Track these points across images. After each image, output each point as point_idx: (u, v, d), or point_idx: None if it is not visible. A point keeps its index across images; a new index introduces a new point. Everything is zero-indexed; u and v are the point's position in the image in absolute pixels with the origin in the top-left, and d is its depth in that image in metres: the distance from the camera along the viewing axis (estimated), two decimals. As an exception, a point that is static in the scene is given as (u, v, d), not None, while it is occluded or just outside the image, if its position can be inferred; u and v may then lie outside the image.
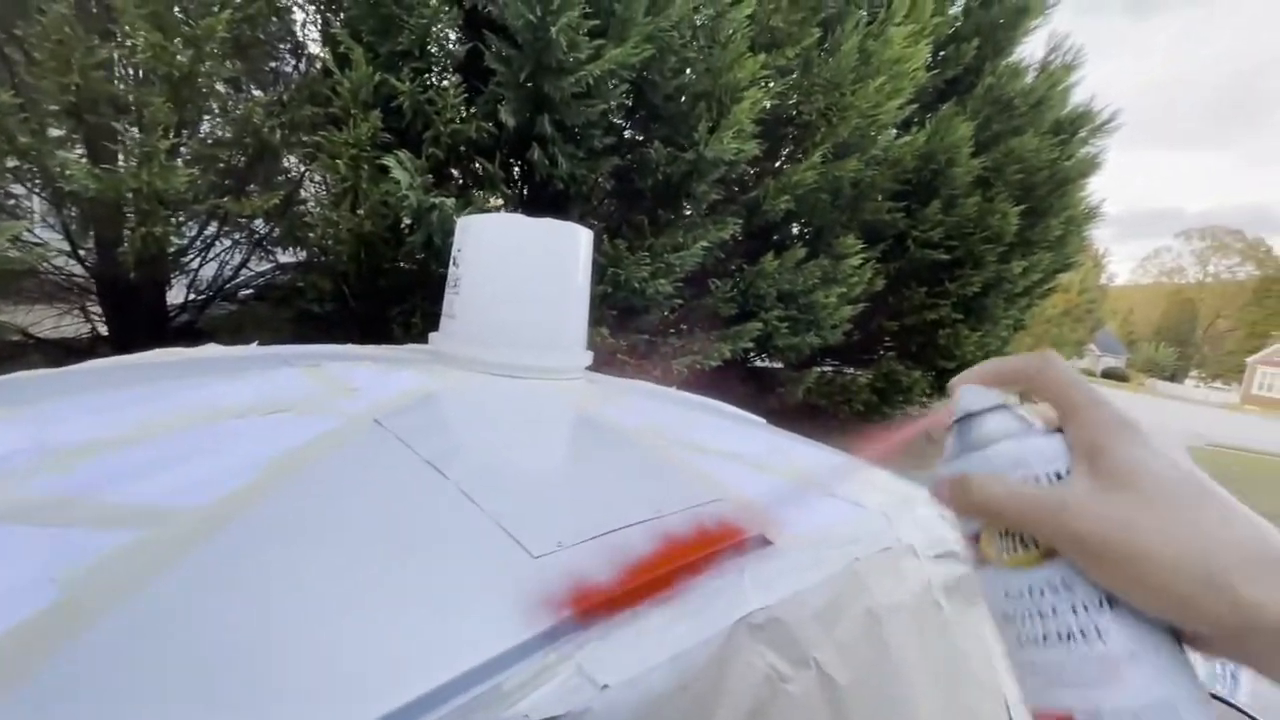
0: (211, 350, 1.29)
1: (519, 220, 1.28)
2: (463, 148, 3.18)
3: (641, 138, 4.49)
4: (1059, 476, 0.31)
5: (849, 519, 0.70)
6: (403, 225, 3.36)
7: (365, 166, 2.83)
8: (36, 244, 3.67)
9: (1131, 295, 64.77)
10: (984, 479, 0.32)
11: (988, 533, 0.33)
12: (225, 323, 4.45)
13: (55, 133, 3.14)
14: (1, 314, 3.91)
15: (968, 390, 0.35)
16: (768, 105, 4.51)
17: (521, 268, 1.24)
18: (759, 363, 6.36)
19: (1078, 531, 0.29)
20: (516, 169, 3.96)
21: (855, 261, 5.04)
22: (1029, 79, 6.77)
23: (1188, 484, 0.28)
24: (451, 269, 1.30)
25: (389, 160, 2.73)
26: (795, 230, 5.78)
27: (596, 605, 0.47)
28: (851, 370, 6.88)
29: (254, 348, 1.34)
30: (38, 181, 2.94)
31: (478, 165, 3.38)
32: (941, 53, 6.42)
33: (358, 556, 0.48)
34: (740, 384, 5.77)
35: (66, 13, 2.43)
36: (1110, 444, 0.30)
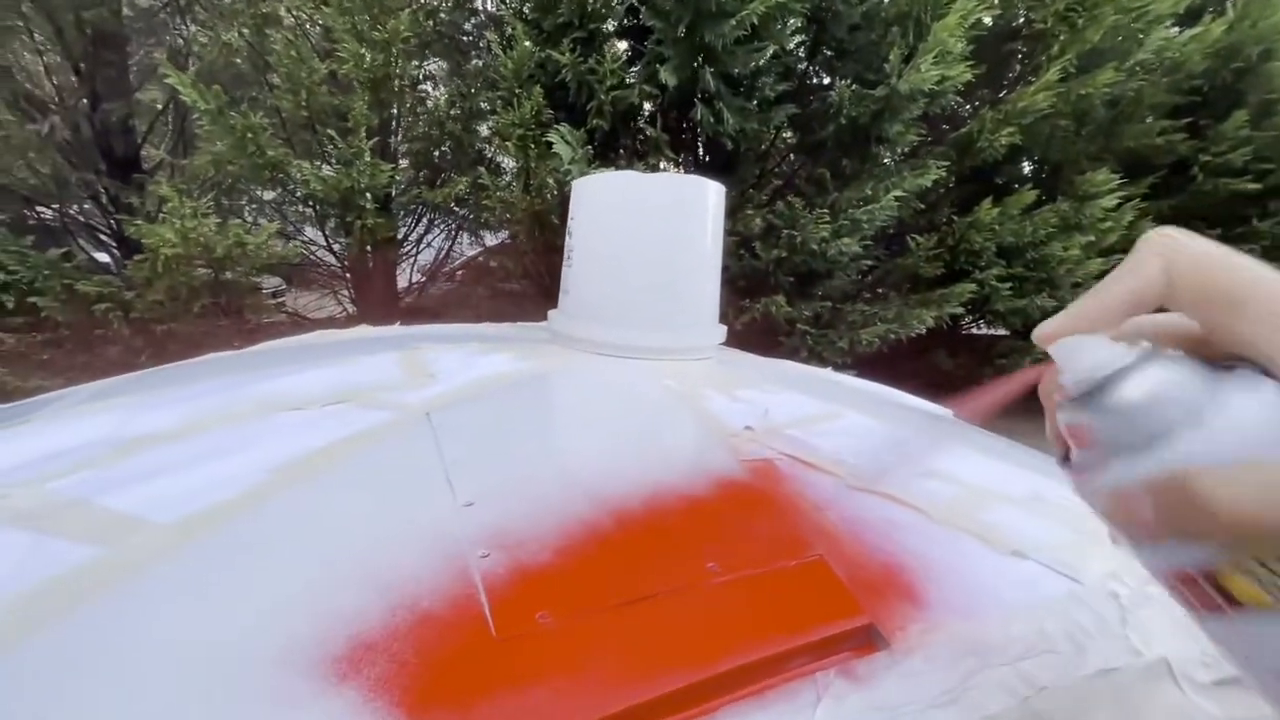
0: (359, 332, 1.35)
1: (634, 178, 1.11)
2: (626, 114, 3.09)
3: (827, 80, 4.00)
4: None
5: (1044, 603, 0.43)
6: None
7: (533, 145, 2.89)
8: (303, 240, 4.46)
9: None
10: (1222, 474, 0.19)
11: (1237, 560, 0.20)
12: (438, 302, 5.03)
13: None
14: (280, 298, 4.83)
15: (1077, 346, 0.23)
16: (986, 19, 3.71)
17: (638, 232, 1.08)
18: (977, 329, 5.46)
19: None
20: (690, 134, 3.79)
21: (1108, 202, 3.98)
22: None
23: None
24: (567, 239, 1.19)
25: (552, 135, 2.74)
26: (1025, 169, 4.78)
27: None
28: (1103, 338, 5.58)
29: (395, 328, 1.38)
30: (291, 187, 3.51)
31: (645, 131, 3.28)
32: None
33: (273, 611, 0.37)
34: (949, 355, 5.00)
35: (294, 39, 2.81)
36: None
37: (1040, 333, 0.24)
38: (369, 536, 0.45)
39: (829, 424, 0.79)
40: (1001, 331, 5.09)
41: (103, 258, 4.37)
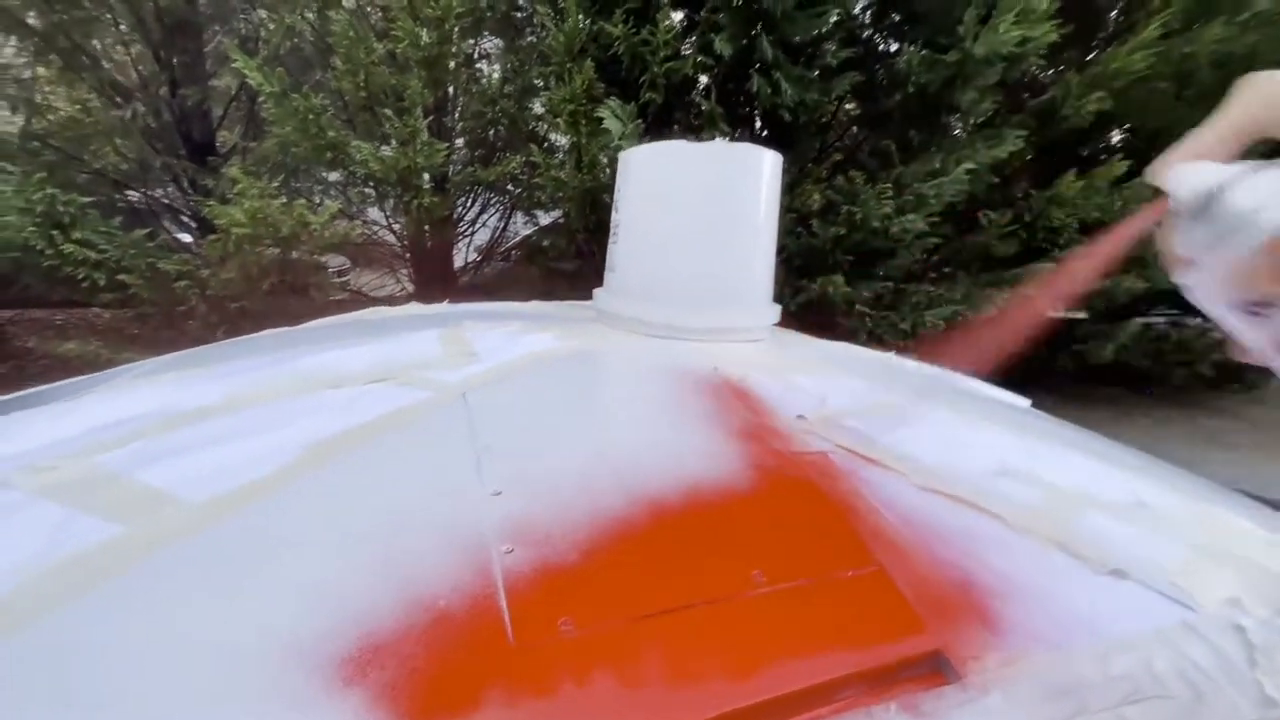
0: (409, 309, 1.36)
1: (682, 147, 1.06)
2: (679, 87, 2.99)
3: (895, 46, 3.77)
4: None
5: (1151, 635, 0.36)
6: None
7: (584, 120, 2.84)
8: (365, 221, 4.58)
9: None
10: None
11: None
12: (493, 281, 5.09)
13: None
14: (345, 276, 5.00)
15: (1188, 173, 0.29)
16: (1077, -29, 3.38)
17: (687, 205, 1.03)
18: (1053, 312, 5.10)
19: None
20: (748, 107, 3.65)
21: (1213, 172, 3.60)
22: None
23: None
24: (613, 214, 1.15)
25: (602, 110, 2.68)
26: (1114, 138, 4.38)
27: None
28: (1198, 321, 5.13)
29: (443, 305, 1.38)
30: (351, 168, 3.59)
31: (699, 105, 3.17)
32: None
33: (284, 602, 0.35)
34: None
35: (352, 18, 2.84)
36: None
37: (1152, 168, 0.30)
38: (391, 524, 0.43)
39: (892, 414, 0.72)
40: (1081, 315, 4.73)
41: (184, 238, 4.63)
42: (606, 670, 0.32)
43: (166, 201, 4.63)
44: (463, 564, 0.38)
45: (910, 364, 1.26)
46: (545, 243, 4.36)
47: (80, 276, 3.07)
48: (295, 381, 0.70)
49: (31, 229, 2.80)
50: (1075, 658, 0.34)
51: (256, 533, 0.42)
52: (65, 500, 0.47)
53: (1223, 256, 0.28)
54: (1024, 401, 1.10)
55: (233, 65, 2.90)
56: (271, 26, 3.66)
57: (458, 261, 5.12)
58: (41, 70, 3.88)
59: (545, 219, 4.77)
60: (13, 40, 3.62)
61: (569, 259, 4.43)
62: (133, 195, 4.45)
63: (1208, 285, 0.29)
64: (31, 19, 3.57)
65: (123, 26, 3.87)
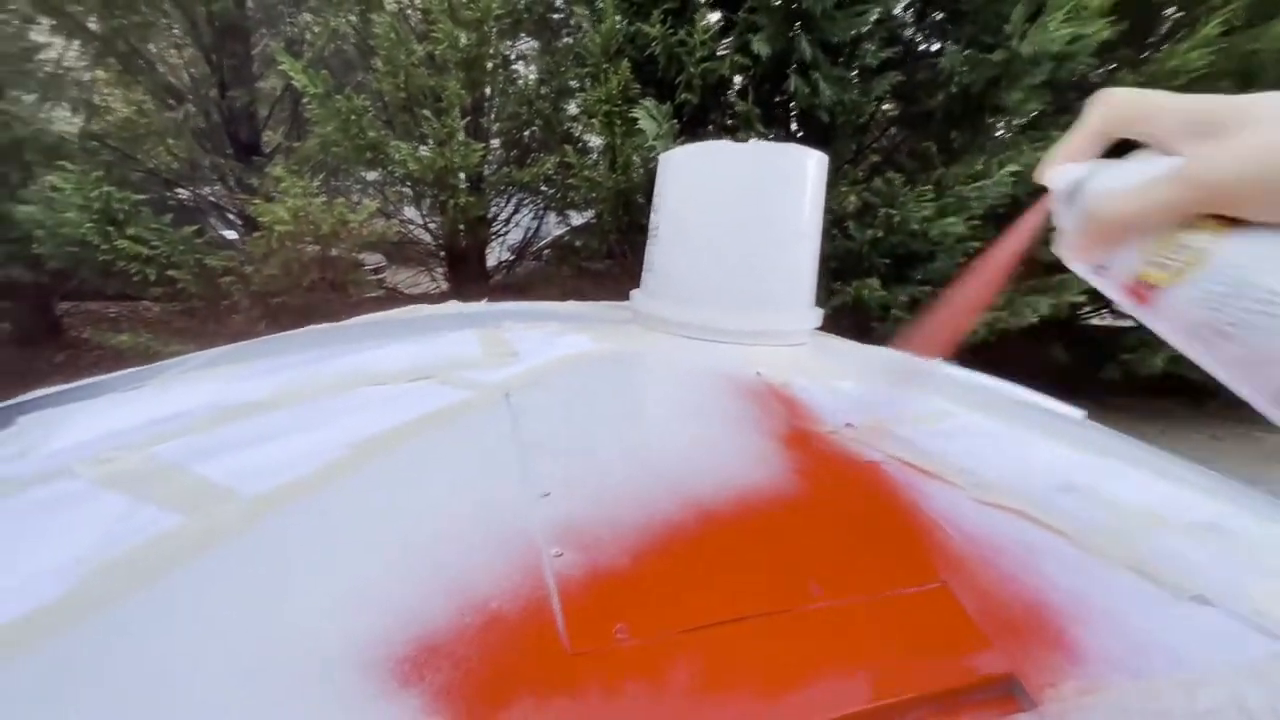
0: (448, 308, 1.37)
1: (725, 147, 1.04)
2: (716, 88, 2.98)
3: (938, 46, 3.69)
4: None
5: (1241, 666, 0.34)
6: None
7: (619, 121, 2.84)
8: (402, 219, 4.67)
9: None
10: (1108, 194, 0.29)
11: (1143, 257, 0.28)
12: (525, 280, 5.14)
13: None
14: (381, 274, 5.10)
15: (1062, 170, 0.32)
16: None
17: (730, 206, 1.01)
18: (1099, 319, 4.93)
19: (1225, 175, 0.25)
20: (783, 107, 3.61)
21: (1276, 175, 3.43)
22: None
23: None
24: (652, 215, 1.14)
25: (637, 111, 2.68)
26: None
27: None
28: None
29: (481, 305, 1.39)
30: (389, 168, 3.67)
31: (735, 105, 3.15)
32: None
33: (338, 601, 0.35)
34: (1064, 349, 4.56)
35: (394, 21, 2.90)
36: (1212, 108, 0.26)
37: (1041, 171, 0.33)
38: (440, 524, 0.43)
39: (942, 423, 0.70)
40: (1127, 323, 4.56)
41: (230, 235, 4.78)
42: (663, 680, 0.31)
43: (214, 200, 4.79)
44: (513, 566, 0.38)
45: (955, 371, 1.22)
46: (578, 243, 4.39)
47: (133, 271, 3.19)
48: (338, 379, 0.71)
49: (89, 225, 2.92)
50: (1160, 689, 0.32)
51: (308, 529, 0.43)
52: (127, 490, 0.49)
53: (1076, 232, 0.32)
54: (1078, 413, 1.06)
55: (279, 67, 2.98)
56: (316, 29, 3.76)
57: (491, 260, 5.18)
58: (100, 73, 4.05)
59: (578, 219, 4.80)
60: (75, 44, 3.78)
61: (601, 259, 4.44)
62: (182, 193, 4.62)
63: (1073, 260, 0.33)
64: (92, 24, 3.72)
65: (176, 30, 4.01)
